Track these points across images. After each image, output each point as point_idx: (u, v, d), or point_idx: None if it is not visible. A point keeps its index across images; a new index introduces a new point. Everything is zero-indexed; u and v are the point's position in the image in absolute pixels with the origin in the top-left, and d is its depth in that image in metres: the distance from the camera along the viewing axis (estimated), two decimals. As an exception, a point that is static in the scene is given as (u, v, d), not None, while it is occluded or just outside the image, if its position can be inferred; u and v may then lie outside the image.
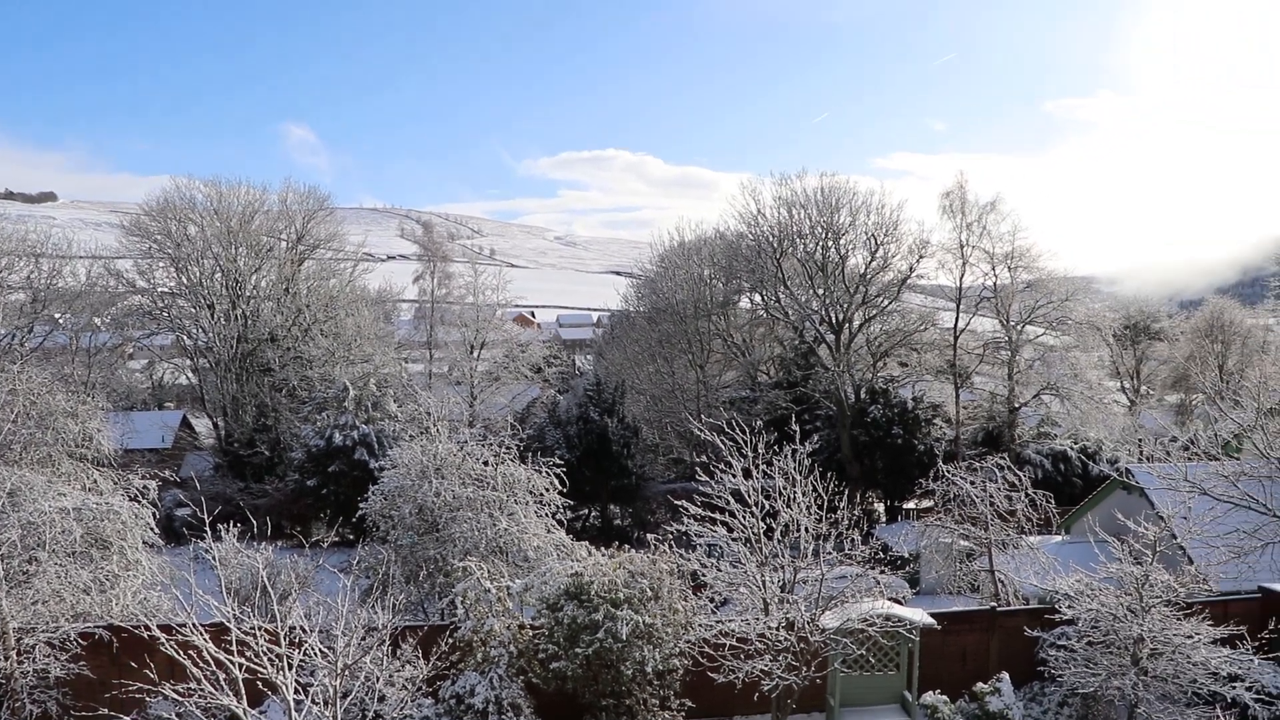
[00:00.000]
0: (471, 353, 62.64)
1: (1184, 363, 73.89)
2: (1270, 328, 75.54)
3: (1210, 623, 21.67)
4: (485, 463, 27.80)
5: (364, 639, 16.22)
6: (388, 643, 16.98)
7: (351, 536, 36.16)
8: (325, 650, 15.33)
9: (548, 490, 28.08)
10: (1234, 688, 21.11)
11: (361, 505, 28.34)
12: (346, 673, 15.25)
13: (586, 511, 50.60)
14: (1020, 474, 30.39)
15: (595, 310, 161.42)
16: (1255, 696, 21.31)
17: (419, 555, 26.41)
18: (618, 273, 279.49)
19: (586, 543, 25.93)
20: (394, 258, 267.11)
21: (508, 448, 28.33)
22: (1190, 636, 21.25)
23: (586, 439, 48.96)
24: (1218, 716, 17.61)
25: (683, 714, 20.71)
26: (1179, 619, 21.55)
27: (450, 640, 20.02)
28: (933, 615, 22.47)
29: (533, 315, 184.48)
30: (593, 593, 19.99)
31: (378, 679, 16.41)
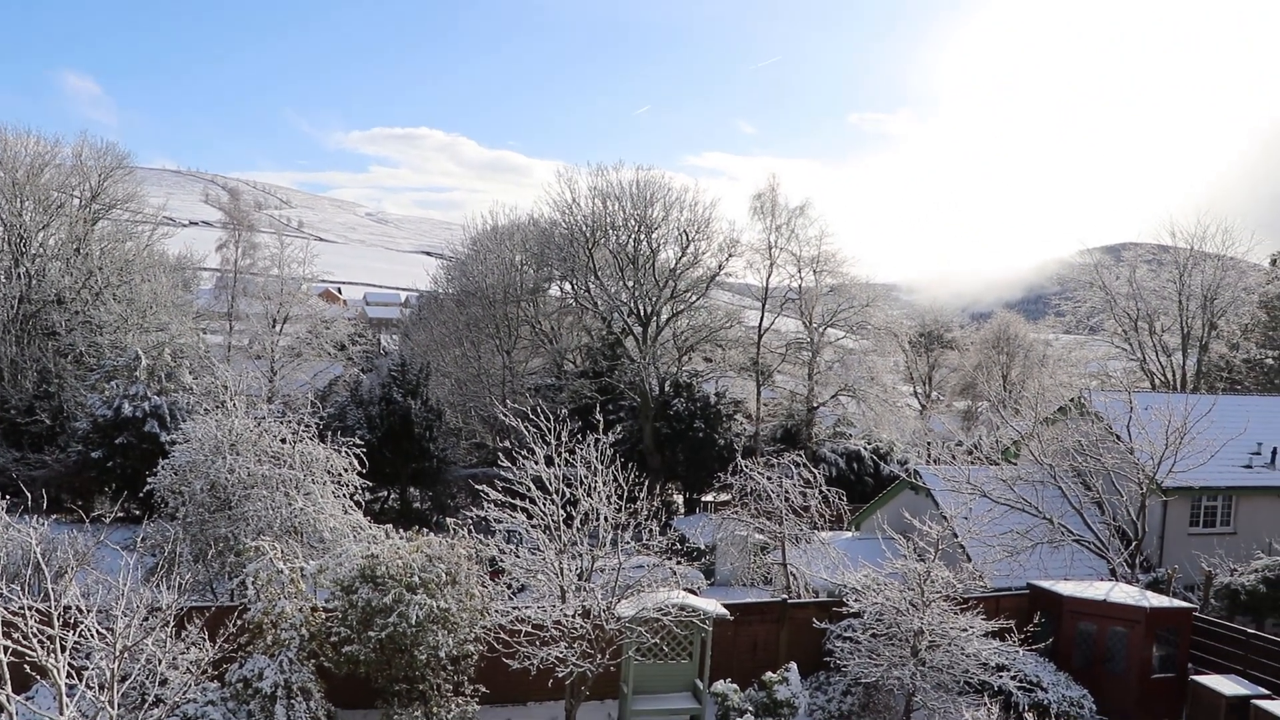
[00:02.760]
0: (274, 326, 60.74)
1: (972, 371, 77.43)
2: (1049, 343, 79.89)
3: (983, 617, 22.85)
4: (283, 440, 27.02)
5: (146, 620, 15.47)
6: (172, 624, 16.25)
7: (138, 512, 34.56)
8: (103, 632, 14.53)
9: (346, 470, 27.47)
10: (1000, 677, 22.36)
11: (150, 480, 27.12)
12: (126, 655, 14.51)
13: (386, 493, 49.81)
14: (815, 471, 31.30)
15: (404, 290, 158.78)
16: (1018, 685, 22.67)
17: (209, 533, 25.47)
18: (428, 253, 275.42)
19: (385, 525, 25.52)
20: (197, 224, 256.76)
21: (307, 426, 27.60)
22: (965, 630, 22.35)
23: (389, 420, 48.13)
24: (984, 704, 18.55)
25: (476, 700, 20.57)
26: (956, 613, 22.62)
27: (239, 622, 19.33)
28: (726, 606, 22.91)
29: (339, 291, 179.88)
30: (388, 576, 19.66)
31: (160, 661, 15.71)
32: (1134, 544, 30.90)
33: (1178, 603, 26.43)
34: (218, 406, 28.56)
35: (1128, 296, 65.33)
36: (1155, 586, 30.28)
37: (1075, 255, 75.60)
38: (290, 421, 27.53)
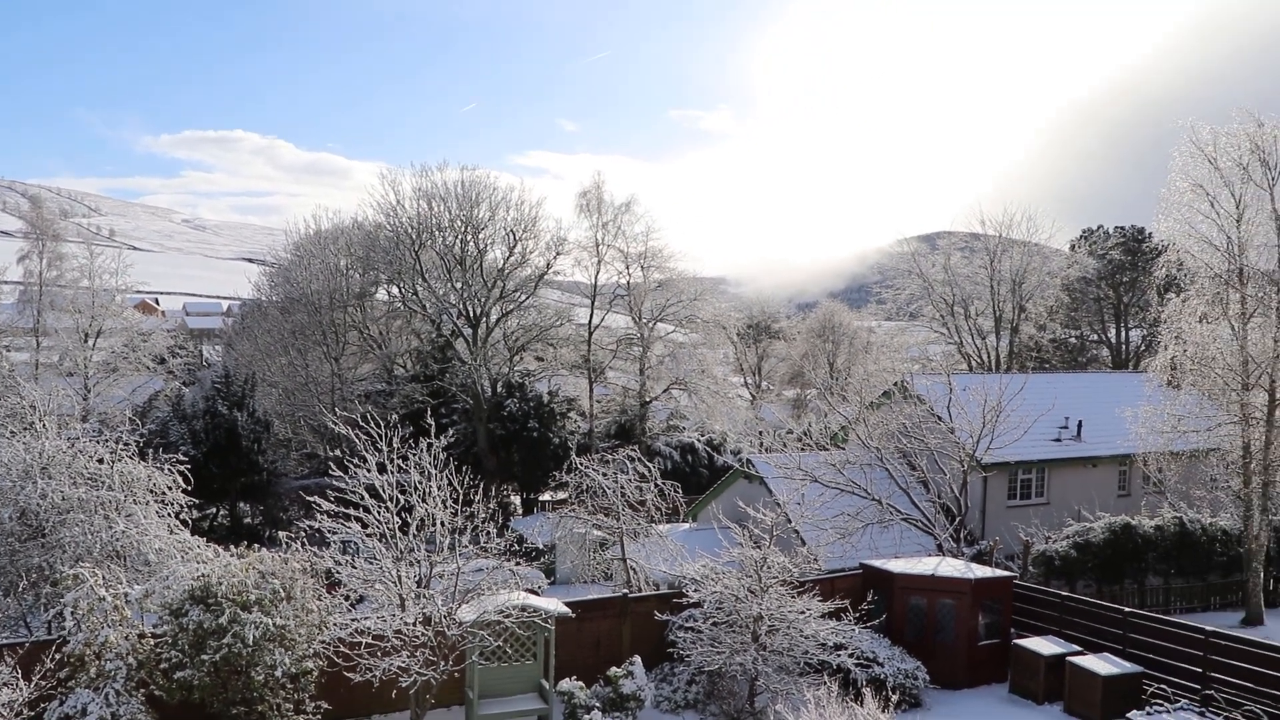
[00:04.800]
0: (86, 341, 57.86)
1: (800, 360, 79.33)
2: (872, 329, 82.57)
3: (820, 598, 23.43)
4: (100, 460, 25.79)
5: (-49, 662, 14.59)
6: (-20, 664, 15.38)
7: (-62, 546, 32.59)
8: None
9: (171, 488, 26.38)
10: (839, 655, 22.96)
11: (-50, 511, 25.58)
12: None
13: (215, 510, 48.28)
14: (650, 465, 31.53)
15: (226, 299, 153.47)
16: (856, 662, 23.29)
17: (21, 564, 24.10)
18: (250, 259, 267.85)
19: (215, 543, 24.65)
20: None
21: (126, 444, 26.42)
22: (803, 612, 22.87)
23: (214, 434, 46.62)
24: (824, 682, 19.02)
25: (319, 716, 20.09)
26: (793, 597, 23.12)
27: (58, 656, 18.33)
28: (568, 604, 22.92)
29: (157, 302, 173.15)
30: (220, 595, 19.01)
31: (-36, 707, 14.85)
32: (958, 519, 32.12)
33: (1000, 573, 27.67)
34: (25, 429, 27.11)
35: (943, 283, 68.25)
36: (979, 558, 31.63)
37: (893, 245, 78.48)
38: (108, 440, 26.33)
